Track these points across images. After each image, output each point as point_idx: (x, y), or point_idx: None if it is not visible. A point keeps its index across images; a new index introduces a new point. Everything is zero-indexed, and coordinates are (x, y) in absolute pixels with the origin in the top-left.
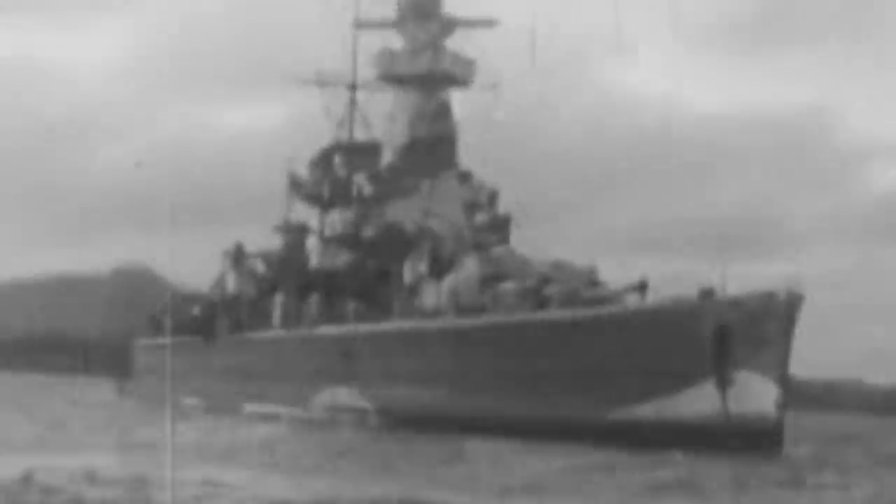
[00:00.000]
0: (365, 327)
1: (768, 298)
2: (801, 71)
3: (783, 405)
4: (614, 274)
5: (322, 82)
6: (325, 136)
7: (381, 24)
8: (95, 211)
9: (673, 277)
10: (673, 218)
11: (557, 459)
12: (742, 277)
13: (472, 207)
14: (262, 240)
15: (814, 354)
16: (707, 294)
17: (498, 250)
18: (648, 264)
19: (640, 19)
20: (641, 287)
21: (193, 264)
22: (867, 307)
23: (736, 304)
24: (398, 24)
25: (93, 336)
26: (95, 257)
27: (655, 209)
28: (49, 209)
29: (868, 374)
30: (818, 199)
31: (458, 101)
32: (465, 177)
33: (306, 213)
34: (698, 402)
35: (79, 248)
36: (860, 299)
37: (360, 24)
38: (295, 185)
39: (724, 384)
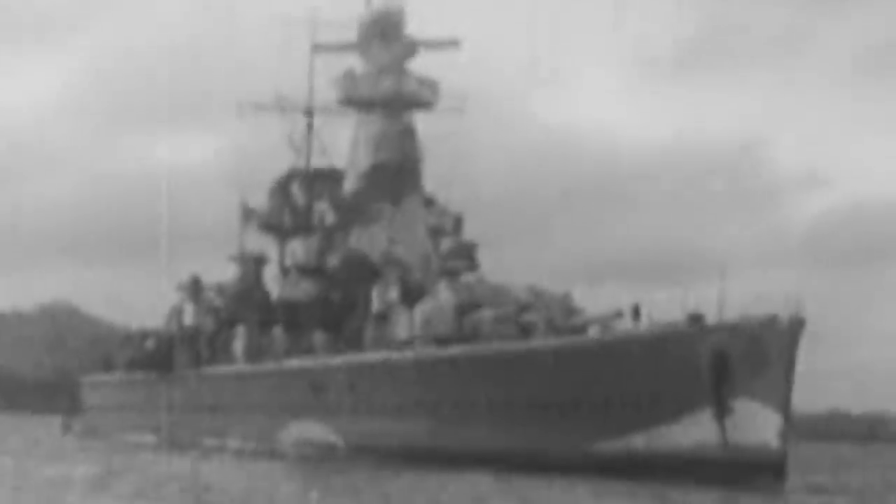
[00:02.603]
0: (335, 359)
1: (769, 322)
2: (730, 101)
3: (786, 435)
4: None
5: (283, 107)
6: (278, 163)
7: (341, 48)
8: (24, 247)
9: (612, 303)
10: (608, 246)
11: (541, 494)
12: (672, 301)
13: (437, 233)
14: (207, 272)
15: None
16: (696, 319)
17: (470, 277)
18: (581, 291)
19: (574, 51)
20: (635, 312)
21: (126, 301)
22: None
23: (734, 328)
24: (360, 46)
25: (19, 373)
26: (22, 294)
27: (588, 237)
28: None
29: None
30: (748, 226)
31: (422, 123)
32: (429, 202)
33: (261, 243)
34: (695, 431)
35: (6, 285)
36: None
37: (318, 48)
38: (248, 214)
39: (722, 412)
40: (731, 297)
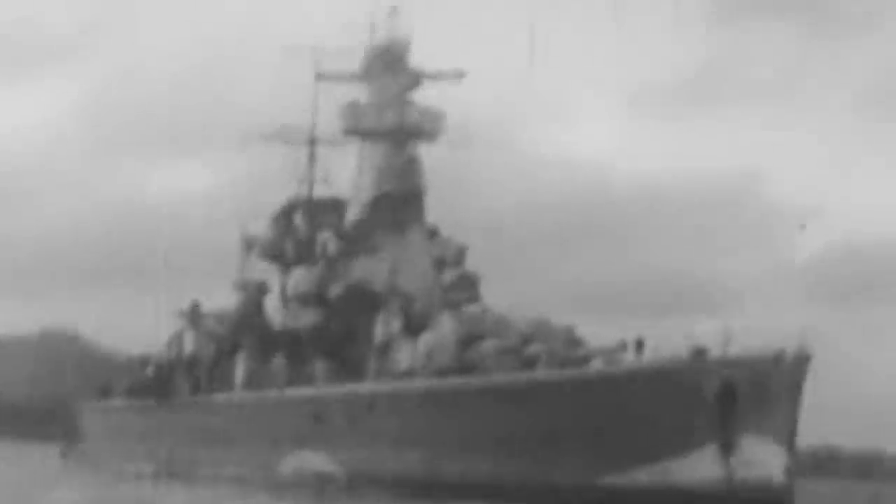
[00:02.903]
0: (336, 389)
1: (776, 358)
2: (732, 135)
3: (792, 471)
4: None
5: (286, 137)
6: (281, 192)
7: (346, 77)
8: (24, 272)
9: (614, 336)
10: (604, 279)
11: None
12: (672, 335)
13: (440, 264)
14: (208, 300)
15: None
16: (700, 353)
17: (473, 309)
18: (583, 323)
19: (574, 82)
20: (638, 346)
21: (126, 328)
22: None
23: (740, 363)
24: (365, 76)
25: (15, 399)
26: (21, 319)
27: (587, 270)
28: None
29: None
30: (750, 259)
31: (426, 154)
32: (433, 233)
33: (263, 271)
34: (699, 466)
35: (6, 309)
36: None
37: (322, 77)
38: (250, 242)
39: (727, 448)
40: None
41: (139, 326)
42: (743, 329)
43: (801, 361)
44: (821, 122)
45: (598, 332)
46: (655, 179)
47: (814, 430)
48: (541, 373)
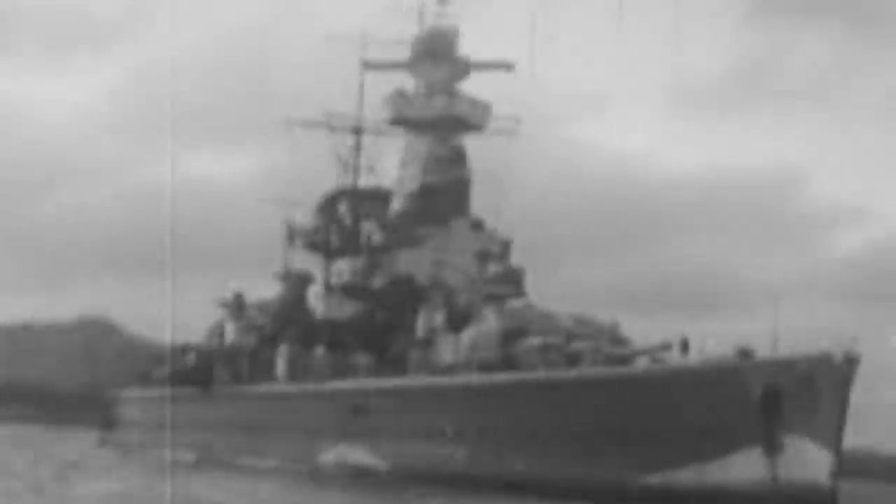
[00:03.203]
0: (378, 382)
1: (823, 360)
2: (772, 133)
3: (837, 474)
4: None
5: (331, 125)
6: (324, 182)
7: (392, 66)
8: (63, 260)
9: (653, 333)
10: (643, 276)
11: None
12: (712, 334)
13: (484, 257)
14: (250, 289)
15: None
16: (745, 354)
17: (517, 304)
18: (622, 320)
19: (618, 79)
20: (683, 345)
21: (162, 317)
22: None
23: (787, 364)
24: (411, 66)
25: (54, 386)
26: (59, 307)
27: (627, 267)
28: (19, 255)
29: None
30: (787, 259)
31: (472, 145)
32: (477, 225)
33: (306, 261)
34: (744, 467)
35: (45, 296)
36: None
37: (368, 66)
38: (293, 232)
39: (773, 449)
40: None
41: (177, 316)
42: (786, 329)
43: (849, 363)
44: (862, 122)
45: (633, 328)
46: (695, 176)
47: (854, 432)
48: (586, 369)
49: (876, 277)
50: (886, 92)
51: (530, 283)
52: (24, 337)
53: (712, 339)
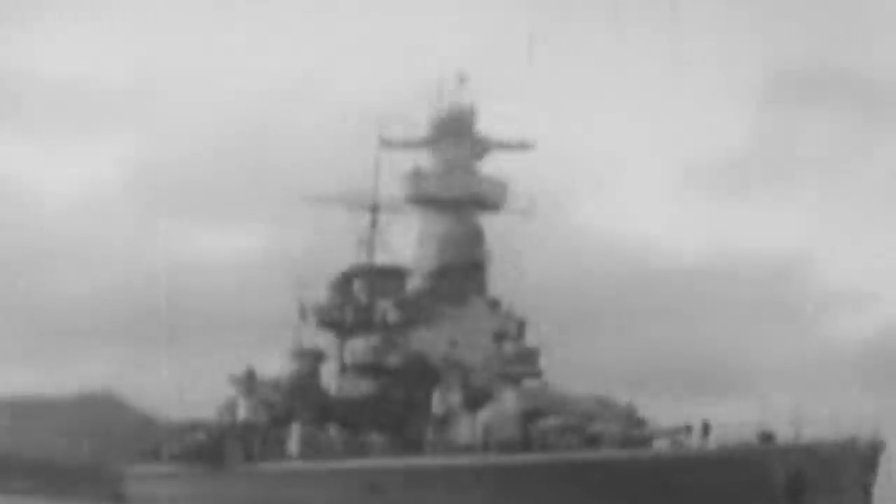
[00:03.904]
0: (394, 461)
1: (848, 444)
2: (777, 217)
3: None
4: None
5: (348, 202)
6: (339, 258)
7: (411, 144)
8: (65, 334)
9: (664, 415)
10: (653, 358)
11: None
12: (726, 418)
13: (500, 337)
14: (259, 366)
15: None
16: (767, 438)
17: (534, 384)
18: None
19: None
20: (705, 428)
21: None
22: None
23: (811, 449)
24: (429, 143)
25: (55, 459)
26: (63, 381)
27: (637, 349)
28: (27, 329)
29: None
30: (798, 342)
31: (489, 224)
32: (494, 304)
33: (319, 338)
34: None
35: (47, 372)
36: None
37: (386, 144)
38: (307, 309)
39: None
40: (783, 415)
41: (185, 392)
42: (805, 414)
43: (875, 448)
44: (872, 203)
45: (644, 410)
46: (704, 258)
47: None
48: (607, 451)
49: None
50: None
51: (545, 363)
52: (26, 411)
53: (729, 422)
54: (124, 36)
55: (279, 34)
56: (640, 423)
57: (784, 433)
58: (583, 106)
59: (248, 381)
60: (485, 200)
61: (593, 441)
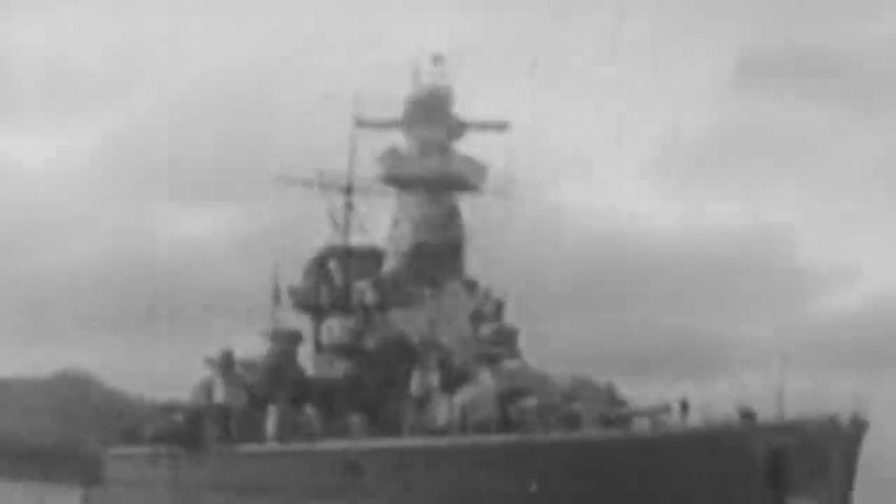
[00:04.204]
0: (372, 442)
1: (830, 423)
2: (758, 194)
3: None
4: None
5: (322, 183)
6: (312, 240)
7: (386, 125)
8: (43, 315)
9: (644, 393)
10: (632, 337)
11: None
12: (706, 395)
13: (478, 318)
14: (235, 346)
15: None
16: (747, 415)
17: (512, 364)
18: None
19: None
20: (683, 407)
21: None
22: None
23: (792, 428)
24: (405, 124)
25: (24, 440)
26: (38, 362)
27: (616, 328)
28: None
29: None
30: (778, 320)
31: (466, 205)
32: (471, 286)
33: (295, 320)
34: None
35: (21, 354)
36: None
37: (361, 124)
38: (282, 291)
39: None
40: (767, 393)
41: (160, 373)
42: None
43: (858, 427)
44: (848, 183)
45: (624, 389)
46: (682, 238)
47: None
48: (588, 432)
49: (869, 339)
50: (873, 153)
51: (523, 343)
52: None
53: (710, 400)
54: (100, 15)
55: (257, 16)
56: (620, 402)
57: (765, 412)
58: (559, 88)
59: (225, 363)
60: (461, 181)
61: (572, 421)
